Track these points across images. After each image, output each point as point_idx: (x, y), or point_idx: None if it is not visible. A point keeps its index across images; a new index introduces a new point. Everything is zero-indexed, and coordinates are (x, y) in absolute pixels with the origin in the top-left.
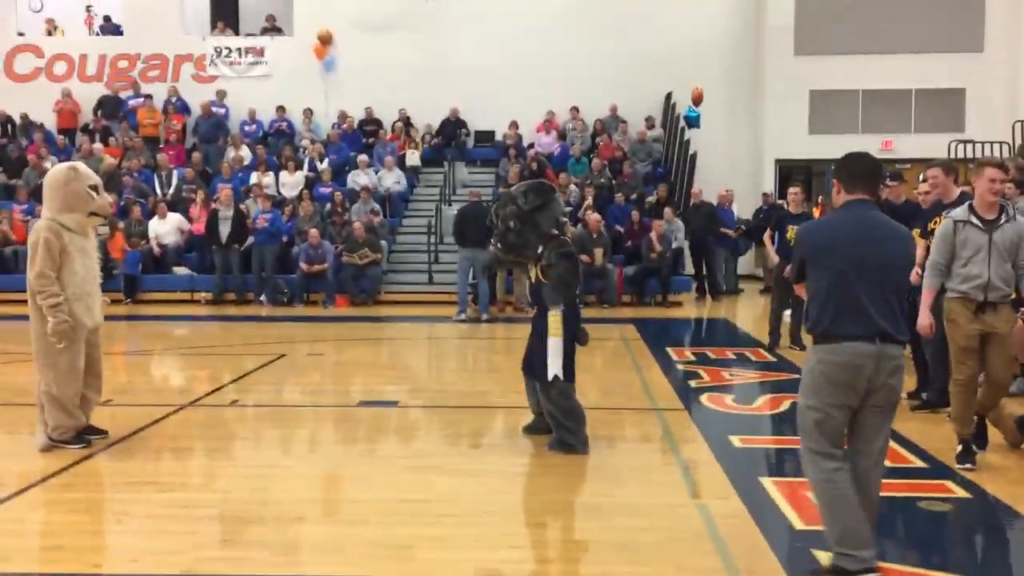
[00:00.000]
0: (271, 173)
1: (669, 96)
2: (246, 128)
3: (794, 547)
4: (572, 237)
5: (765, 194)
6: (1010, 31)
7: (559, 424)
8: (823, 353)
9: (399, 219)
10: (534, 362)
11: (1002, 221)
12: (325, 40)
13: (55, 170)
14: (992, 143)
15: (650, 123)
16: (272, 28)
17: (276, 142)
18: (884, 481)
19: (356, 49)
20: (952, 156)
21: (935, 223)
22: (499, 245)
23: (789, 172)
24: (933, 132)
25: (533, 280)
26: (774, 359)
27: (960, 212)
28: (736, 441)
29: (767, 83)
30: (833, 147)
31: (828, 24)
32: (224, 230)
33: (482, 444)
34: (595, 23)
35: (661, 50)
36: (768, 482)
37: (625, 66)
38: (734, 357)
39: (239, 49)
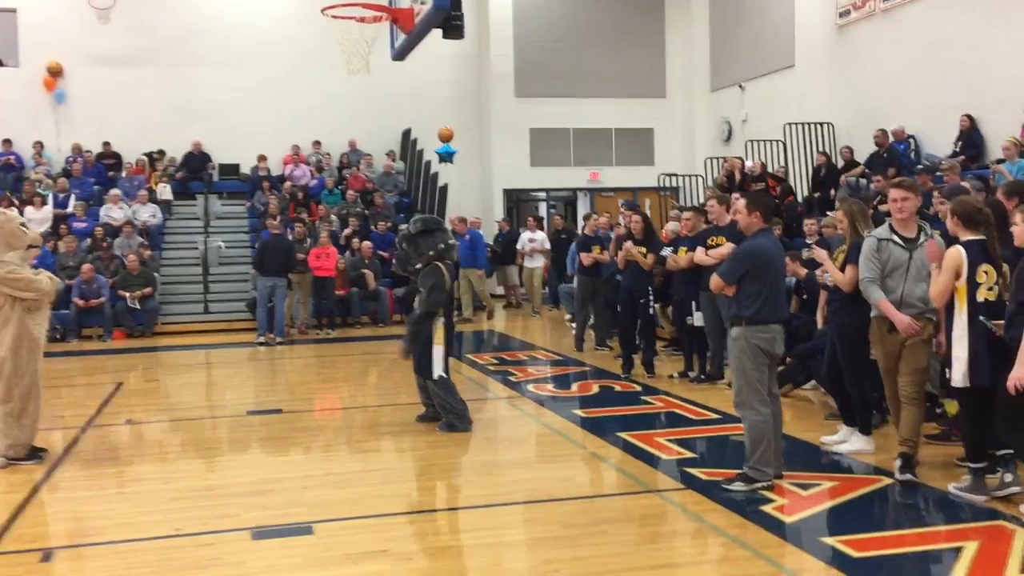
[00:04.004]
0: (14, 208)
1: (408, 132)
2: None
3: (671, 468)
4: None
5: (498, 221)
6: (685, 81)
7: (447, 410)
8: (756, 331)
9: (159, 252)
10: (421, 364)
11: (921, 240)
12: (55, 72)
13: None
14: (690, 176)
15: (391, 156)
16: None
17: (4, 176)
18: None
19: (87, 82)
20: (660, 186)
21: (712, 241)
22: (394, 260)
23: (516, 200)
24: (630, 165)
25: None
26: (560, 356)
27: (882, 230)
28: (580, 413)
29: (493, 122)
30: (551, 178)
31: (543, 71)
32: None
33: (389, 432)
34: (330, 64)
35: (395, 90)
36: (625, 435)
37: (362, 103)
38: (526, 358)
39: None
